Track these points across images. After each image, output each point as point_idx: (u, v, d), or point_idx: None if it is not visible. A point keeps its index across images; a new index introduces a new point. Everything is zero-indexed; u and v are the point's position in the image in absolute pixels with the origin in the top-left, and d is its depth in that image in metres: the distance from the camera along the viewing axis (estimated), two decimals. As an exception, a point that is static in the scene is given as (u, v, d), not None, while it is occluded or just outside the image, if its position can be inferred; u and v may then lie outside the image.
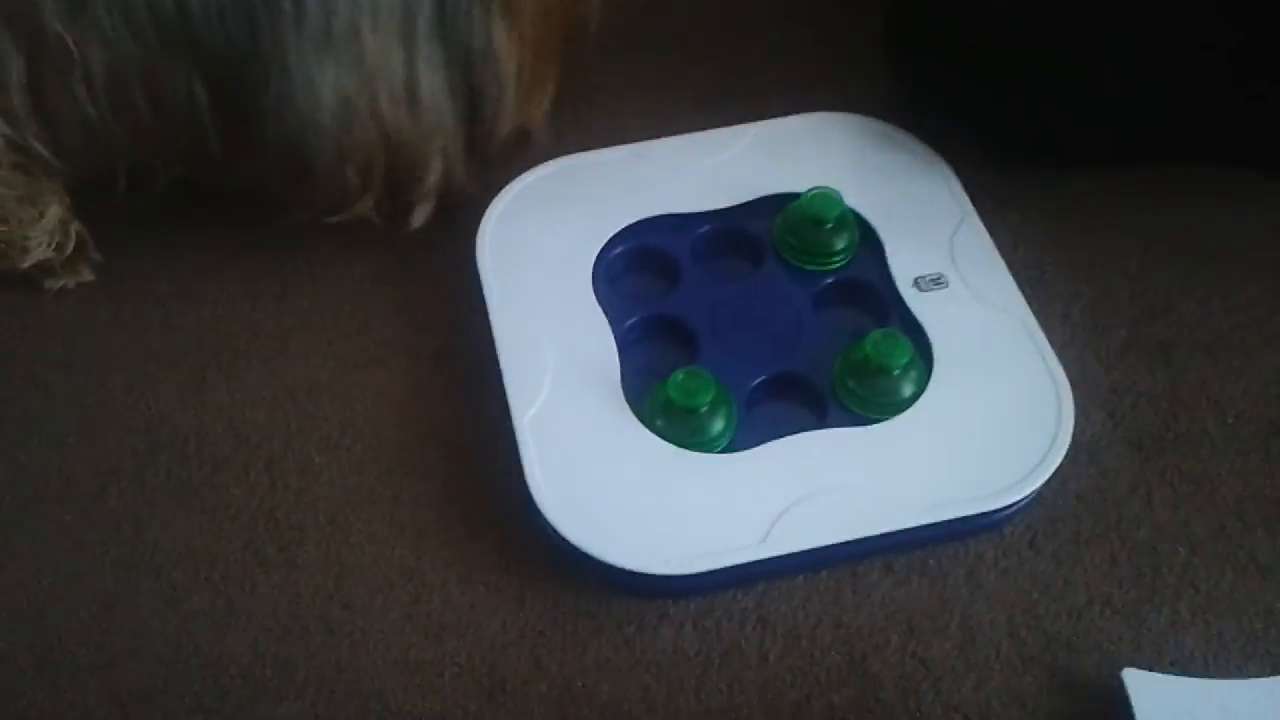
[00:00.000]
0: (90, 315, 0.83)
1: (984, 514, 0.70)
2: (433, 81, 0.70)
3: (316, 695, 0.68)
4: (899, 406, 0.73)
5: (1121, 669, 0.66)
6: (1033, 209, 0.86)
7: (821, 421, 0.74)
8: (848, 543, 0.69)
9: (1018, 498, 0.70)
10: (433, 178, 0.75)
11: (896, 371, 0.73)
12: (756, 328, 0.78)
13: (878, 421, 0.73)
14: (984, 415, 0.73)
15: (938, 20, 0.83)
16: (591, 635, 0.70)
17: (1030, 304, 0.78)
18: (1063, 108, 0.81)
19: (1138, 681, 0.65)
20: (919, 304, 0.78)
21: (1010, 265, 0.80)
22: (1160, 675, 0.66)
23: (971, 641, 0.69)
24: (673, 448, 0.72)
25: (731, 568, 0.68)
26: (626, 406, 0.74)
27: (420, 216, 0.78)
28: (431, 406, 0.78)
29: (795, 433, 0.73)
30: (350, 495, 0.75)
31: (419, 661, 0.69)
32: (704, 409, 0.72)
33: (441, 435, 0.77)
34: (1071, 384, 0.76)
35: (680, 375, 0.72)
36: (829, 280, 0.81)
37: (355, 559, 0.73)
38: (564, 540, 0.69)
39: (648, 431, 0.73)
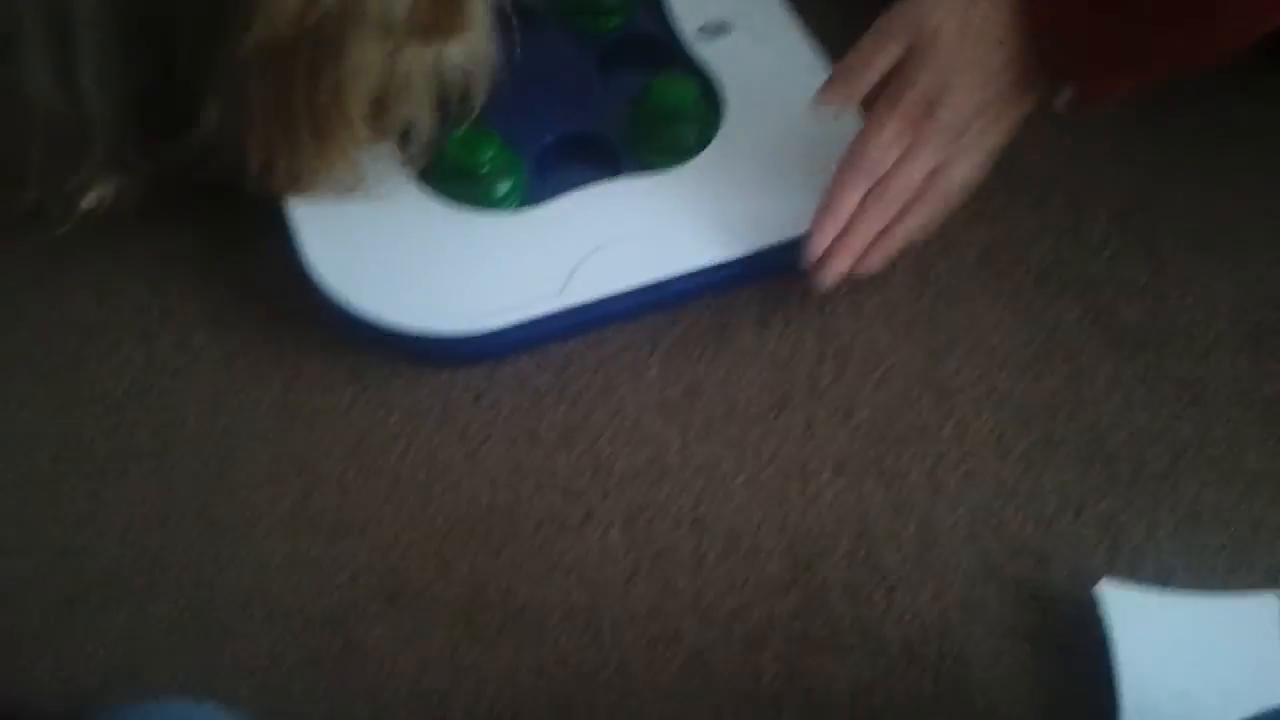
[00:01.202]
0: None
1: (781, 245, 0.68)
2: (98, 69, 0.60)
3: (193, 594, 0.60)
4: (691, 152, 0.71)
5: (1095, 582, 0.59)
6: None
7: (615, 175, 0.71)
8: (648, 287, 0.67)
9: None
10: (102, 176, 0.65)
11: (685, 114, 0.72)
12: (541, 90, 0.73)
13: (671, 169, 0.70)
14: (776, 153, 0.71)
15: None
16: (507, 535, 0.62)
17: (1002, 192, 0.71)
18: None
19: (1113, 596, 0.58)
20: (706, 52, 0.75)
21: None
22: (1138, 590, 0.59)
23: (929, 549, 0.62)
24: (461, 210, 0.68)
25: (532, 321, 0.65)
26: (408, 176, 0.69)
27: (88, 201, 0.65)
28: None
29: (586, 187, 0.70)
30: (236, 377, 0.67)
31: (311, 559, 0.61)
32: (486, 168, 0.69)
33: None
34: (1048, 275, 0.70)
35: (460, 134, 0.68)
36: (611, 38, 0.78)
37: (240, 447, 0.64)
38: (356, 314, 0.65)
39: (433, 198, 0.68)
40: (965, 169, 0.65)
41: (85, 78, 0.60)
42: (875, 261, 0.66)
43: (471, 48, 0.63)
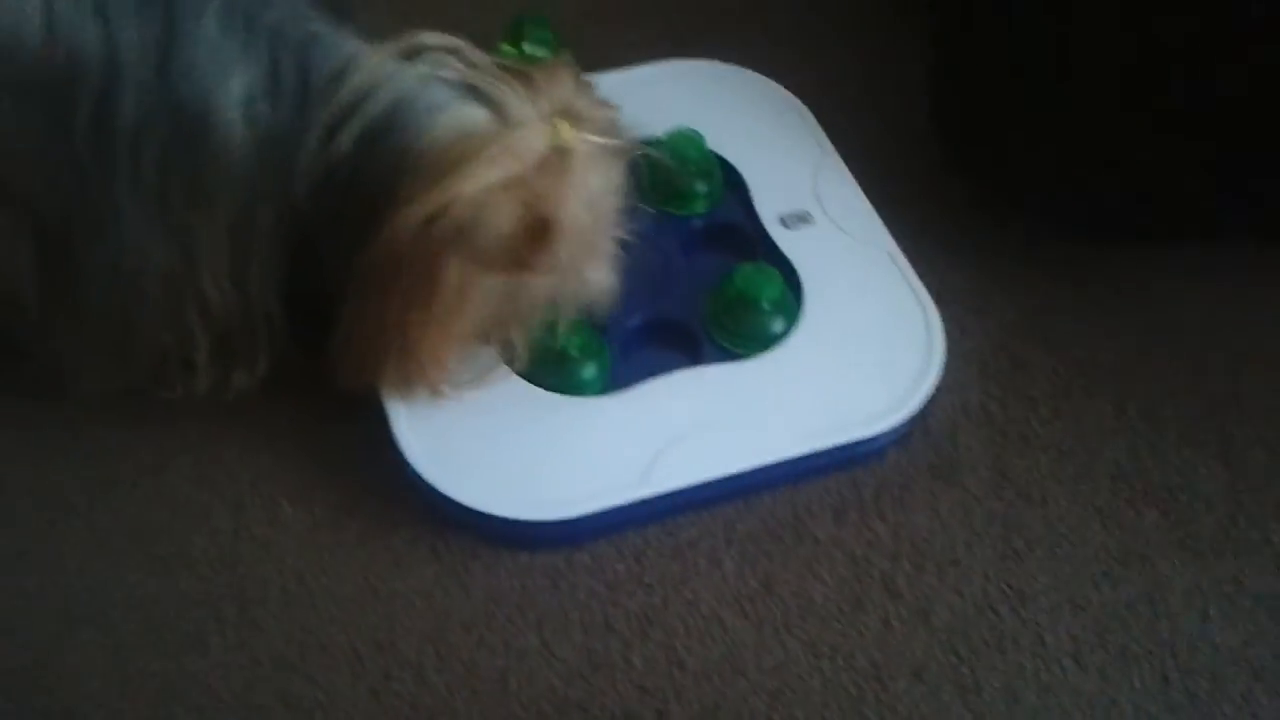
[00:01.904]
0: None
1: (860, 441, 0.70)
2: (265, 277, 0.65)
3: (267, 783, 0.61)
4: (771, 341, 0.73)
5: (1173, 810, 0.59)
6: (1061, 286, 0.80)
7: (695, 361, 0.73)
8: (728, 478, 0.68)
9: (893, 424, 0.70)
10: (262, 364, 0.69)
11: (767, 305, 0.73)
12: (626, 273, 0.73)
13: (751, 357, 0.72)
14: (856, 345, 0.73)
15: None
16: (581, 730, 0.62)
17: (1079, 392, 0.74)
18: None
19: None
20: (787, 241, 0.77)
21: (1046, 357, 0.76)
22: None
23: (1006, 767, 0.62)
24: (546, 393, 0.70)
25: (612, 510, 0.67)
26: (497, 357, 0.71)
27: (239, 383, 0.70)
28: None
29: (669, 373, 0.72)
30: (321, 552, 0.67)
31: (387, 748, 0.62)
32: (575, 352, 0.70)
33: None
34: (1125, 477, 0.70)
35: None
36: (697, 223, 0.80)
37: (322, 625, 0.65)
38: (439, 494, 0.66)
39: (520, 379, 0.70)
40: None
41: (255, 284, 0.65)
42: None
43: (591, 284, 0.66)
